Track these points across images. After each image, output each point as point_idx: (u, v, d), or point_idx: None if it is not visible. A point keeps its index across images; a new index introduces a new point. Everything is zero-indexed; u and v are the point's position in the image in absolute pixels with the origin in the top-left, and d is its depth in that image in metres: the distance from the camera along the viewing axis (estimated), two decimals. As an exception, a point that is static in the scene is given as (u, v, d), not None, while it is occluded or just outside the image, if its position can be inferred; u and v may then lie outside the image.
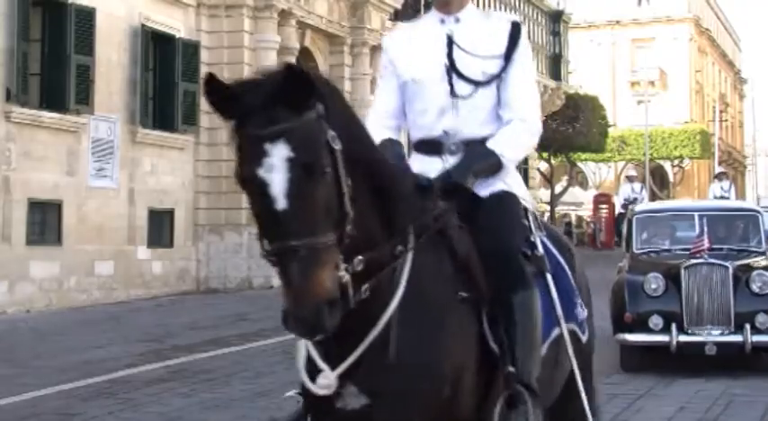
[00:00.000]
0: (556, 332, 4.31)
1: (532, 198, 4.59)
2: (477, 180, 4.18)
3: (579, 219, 52.94)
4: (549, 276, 4.36)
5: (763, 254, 12.42)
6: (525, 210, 4.45)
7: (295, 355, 3.94)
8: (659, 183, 64.10)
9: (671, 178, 67.99)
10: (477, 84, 4.29)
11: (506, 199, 4.29)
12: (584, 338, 4.62)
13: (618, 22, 70.53)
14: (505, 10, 38.08)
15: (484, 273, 3.98)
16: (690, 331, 11.06)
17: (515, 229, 4.22)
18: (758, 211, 13.27)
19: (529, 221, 4.42)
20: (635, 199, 25.44)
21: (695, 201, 18.77)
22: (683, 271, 11.18)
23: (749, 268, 11.53)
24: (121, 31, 21.08)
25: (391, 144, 4.36)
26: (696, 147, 65.20)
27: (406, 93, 4.42)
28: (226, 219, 22.75)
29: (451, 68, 4.29)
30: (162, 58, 22.37)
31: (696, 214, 12.77)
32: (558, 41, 44.09)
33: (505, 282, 3.99)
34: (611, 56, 70.79)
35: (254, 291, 21.73)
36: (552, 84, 42.84)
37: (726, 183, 26.20)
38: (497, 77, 4.33)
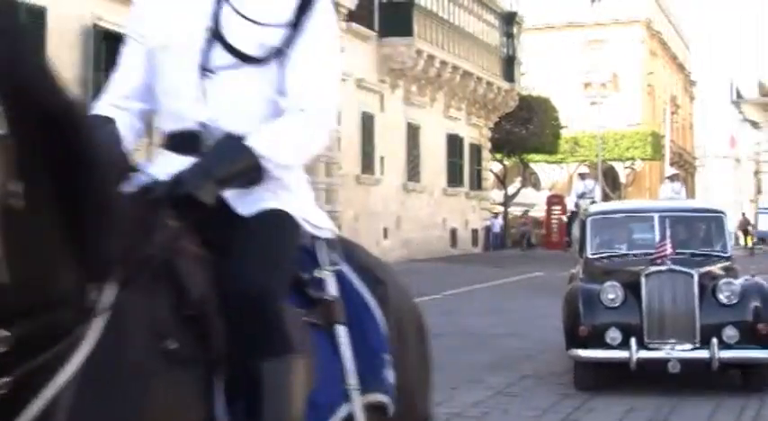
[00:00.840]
0: (343, 411, 3.17)
1: (329, 220, 3.50)
2: (224, 189, 2.99)
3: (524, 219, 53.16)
4: (341, 330, 3.21)
5: (728, 259, 11.47)
6: (314, 237, 3.30)
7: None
8: (611, 184, 64.55)
9: (622, 179, 68.52)
10: (244, 58, 3.12)
11: (273, 221, 3.11)
12: (391, 410, 3.36)
13: (570, 24, 70.97)
14: (458, 10, 38.25)
15: (226, 325, 2.81)
16: (651, 346, 9.99)
17: (277, 265, 3.01)
18: (723, 213, 12.20)
19: (315, 251, 3.28)
20: (584, 194, 24.67)
21: (654, 202, 17.21)
22: (643, 279, 10.15)
23: (715, 276, 10.55)
24: (73, 30, 20.92)
25: (108, 123, 3.14)
26: (647, 148, 65.76)
27: (153, 66, 3.27)
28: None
29: (216, 34, 3.13)
30: (114, 57, 22.17)
31: (656, 215, 11.64)
32: (511, 43, 44.32)
33: (252, 342, 2.83)
34: (564, 58, 71.20)
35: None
36: (505, 85, 43.06)
37: (677, 185, 25.50)
38: (280, 53, 3.14)
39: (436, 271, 30.23)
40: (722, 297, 10.10)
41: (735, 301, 10.05)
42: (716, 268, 10.91)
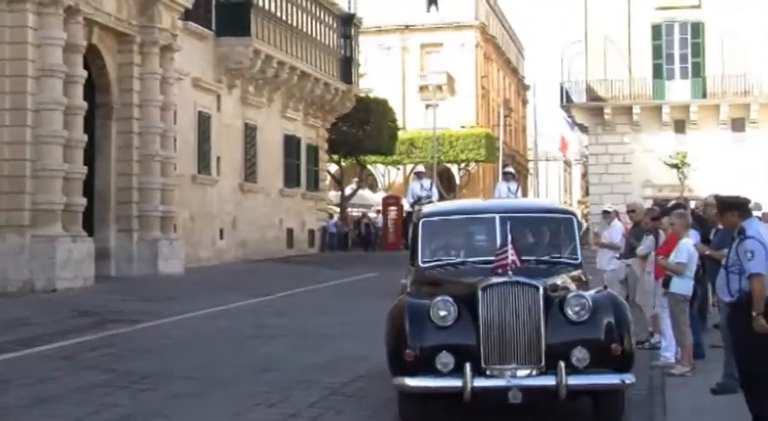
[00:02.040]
0: None
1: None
2: None
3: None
4: None
5: (578, 266, 10.26)
6: None
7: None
8: (446, 185, 65.63)
9: (458, 181, 69.74)
10: None
11: None
12: None
13: (407, 26, 71.81)
14: (296, 11, 38.27)
15: None
16: (489, 372, 8.63)
17: None
18: (573, 213, 11.10)
19: None
20: (422, 197, 22.95)
21: (496, 201, 15.48)
22: (480, 293, 8.74)
23: (564, 287, 9.36)
24: None
25: None
26: (482, 150, 67.11)
27: None
28: (7, 220, 22.03)
29: None
30: None
31: (497, 217, 10.17)
32: (349, 44, 44.58)
33: None
34: (401, 60, 72.01)
35: (35, 294, 21.14)
36: (343, 86, 43.30)
37: (513, 184, 23.86)
38: None
39: (272, 271, 30.23)
40: (571, 312, 8.83)
41: (585, 318, 8.80)
42: (565, 278, 9.71)
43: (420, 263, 10.34)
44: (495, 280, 8.84)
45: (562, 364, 8.55)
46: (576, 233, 10.54)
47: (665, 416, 9.57)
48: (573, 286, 9.51)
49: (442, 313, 8.80)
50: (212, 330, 16.30)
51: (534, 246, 10.52)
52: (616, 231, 16.62)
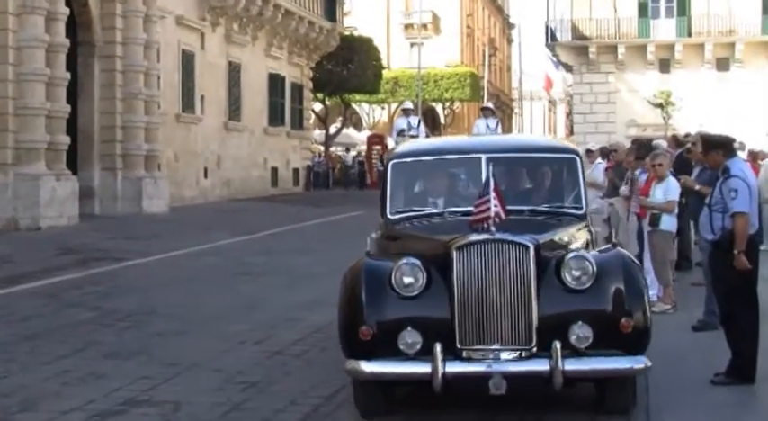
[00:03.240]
0: None
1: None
2: None
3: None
4: None
5: (583, 218, 8.46)
6: None
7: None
8: (431, 124, 65.56)
9: (442, 120, 69.67)
10: None
11: None
12: None
13: (392, -36, 71.24)
14: (280, -51, 37.88)
15: None
16: (465, 355, 6.98)
17: None
18: (575, 152, 8.97)
19: None
20: (405, 131, 21.63)
21: (483, 138, 13.10)
22: (454, 253, 7.02)
23: (562, 246, 7.61)
24: None
25: None
26: (466, 89, 67.00)
27: None
28: (-10, 158, 21.96)
29: None
30: None
31: (483, 157, 8.36)
32: (334, -18, 44.24)
33: None
34: (386, -2, 71.53)
35: (19, 232, 21.14)
36: (327, 25, 43.03)
37: (492, 121, 21.94)
38: None
39: (257, 210, 30.26)
40: (570, 278, 7.12)
41: (588, 285, 7.09)
42: (565, 234, 7.96)
43: (388, 214, 8.52)
44: (473, 237, 7.09)
45: (557, 345, 6.86)
46: (581, 177, 8.64)
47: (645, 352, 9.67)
48: (575, 244, 7.82)
49: (407, 280, 7.12)
50: (197, 269, 16.36)
51: (529, 193, 8.93)
52: (599, 171, 16.66)
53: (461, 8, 72.82)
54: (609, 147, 16.82)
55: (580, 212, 8.48)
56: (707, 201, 8.70)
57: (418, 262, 7.18)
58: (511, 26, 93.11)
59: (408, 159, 8.99)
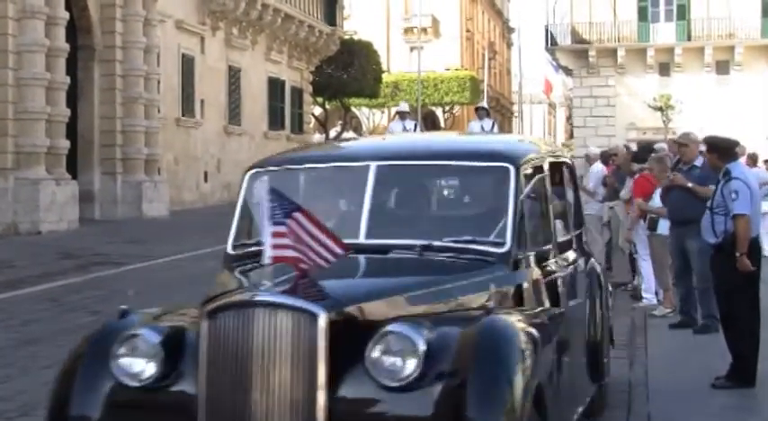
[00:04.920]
0: None
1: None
2: None
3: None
4: None
5: (502, 261, 5.68)
6: None
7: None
8: (431, 127, 65.58)
9: (442, 123, 69.68)
10: None
11: None
12: None
13: (392, -32, 71.30)
14: (280, -47, 37.90)
15: None
16: None
17: None
18: (513, 162, 6.05)
19: None
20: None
21: (380, 141, 8.69)
22: (203, 323, 4.74)
23: (372, 324, 4.75)
24: None
25: None
26: (466, 93, 66.99)
27: None
28: (-10, 162, 21.96)
29: None
30: None
31: (372, 166, 6.00)
32: (333, -14, 44.25)
33: None
34: (386, 2, 71.56)
35: (19, 236, 21.13)
36: (327, 29, 43.03)
37: (488, 122, 20.48)
38: None
39: (257, 214, 30.18)
40: (377, 368, 4.62)
41: (412, 377, 4.58)
42: (441, 292, 5.35)
43: (228, 247, 6.35)
44: (234, 298, 4.82)
45: None
46: (513, 198, 5.86)
47: (646, 358, 9.67)
48: (446, 307, 5.25)
49: (135, 366, 4.85)
50: (199, 272, 16.33)
51: (432, 219, 6.53)
52: (592, 176, 16.63)
53: (461, 12, 72.85)
54: (609, 151, 16.81)
55: (500, 250, 5.68)
56: (708, 204, 8.71)
57: (157, 334, 4.89)
58: (510, 30, 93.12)
59: (272, 169, 6.56)
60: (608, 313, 8.02)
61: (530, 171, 6.25)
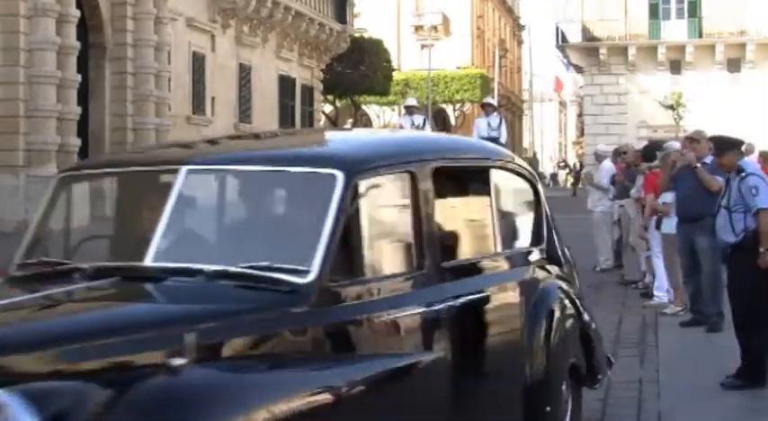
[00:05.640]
0: None
1: None
2: None
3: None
4: None
5: (300, 293, 4.62)
6: None
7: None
8: (441, 125, 65.55)
9: (453, 121, 69.65)
10: None
11: None
12: None
13: (402, -34, 71.27)
14: (291, -49, 37.91)
15: None
16: None
17: None
18: (342, 167, 4.95)
19: None
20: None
21: (194, 144, 6.68)
22: None
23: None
24: None
25: None
26: (477, 91, 66.89)
27: None
28: (1, 160, 22.01)
29: None
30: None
31: (182, 171, 5.10)
32: (344, -16, 44.26)
33: None
34: (396, 0, 71.54)
35: (32, 234, 21.15)
36: (337, 26, 43.02)
37: (495, 119, 19.78)
38: None
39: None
40: None
41: None
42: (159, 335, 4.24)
43: (10, 268, 5.39)
44: None
45: None
46: (334, 216, 4.74)
47: (657, 355, 9.66)
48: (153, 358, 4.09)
49: None
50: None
51: (237, 236, 5.35)
52: (604, 173, 16.60)
53: (472, 10, 72.77)
54: (619, 149, 16.78)
55: (301, 281, 4.58)
56: (723, 203, 8.60)
57: None
58: (521, 28, 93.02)
59: (88, 172, 6.14)
60: (581, 344, 6.65)
61: (378, 180, 5.14)
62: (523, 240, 6.67)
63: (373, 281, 5.03)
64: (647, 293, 13.27)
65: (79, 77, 23.45)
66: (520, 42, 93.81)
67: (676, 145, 12.81)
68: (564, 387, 6.32)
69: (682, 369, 8.74)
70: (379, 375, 4.76)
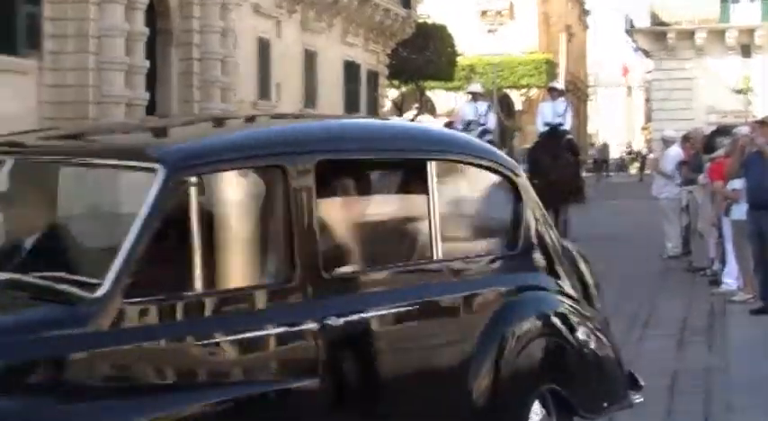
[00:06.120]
0: None
1: None
2: None
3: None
4: None
5: (91, 309, 3.90)
6: None
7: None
8: (506, 111, 65.25)
9: (518, 107, 69.29)
10: None
11: None
12: None
13: (468, -50, 70.91)
14: (356, -64, 37.92)
15: None
16: None
17: None
18: (164, 161, 4.15)
19: None
20: (471, 122, 18.90)
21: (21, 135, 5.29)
22: None
23: None
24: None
25: None
26: (542, 76, 66.45)
27: None
28: (71, 145, 22.31)
29: None
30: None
31: (9, 162, 4.67)
32: (409, -31, 44.19)
33: None
34: (461, -16, 71.25)
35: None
36: (402, 12, 42.98)
37: (561, 105, 19.18)
38: None
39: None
40: None
41: None
42: None
43: None
44: None
45: None
46: (144, 215, 4.05)
47: (725, 344, 9.55)
48: None
49: None
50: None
51: (48, 240, 4.59)
52: (669, 159, 16.41)
53: (538, -6, 72.26)
54: (687, 135, 16.59)
55: (88, 295, 3.93)
56: None
57: None
58: (587, 12, 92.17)
59: None
60: (569, 368, 5.64)
61: (223, 176, 4.46)
62: (485, 245, 5.62)
63: (205, 296, 4.18)
64: (716, 280, 13.13)
65: (147, 63, 23.68)
66: (585, 27, 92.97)
67: (745, 130, 12.63)
68: (534, 416, 5.37)
69: (751, 357, 8.62)
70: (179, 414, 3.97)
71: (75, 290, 3.91)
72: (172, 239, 4.11)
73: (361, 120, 7.50)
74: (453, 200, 5.43)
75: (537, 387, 5.41)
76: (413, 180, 5.23)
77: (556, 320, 5.56)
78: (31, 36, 21.95)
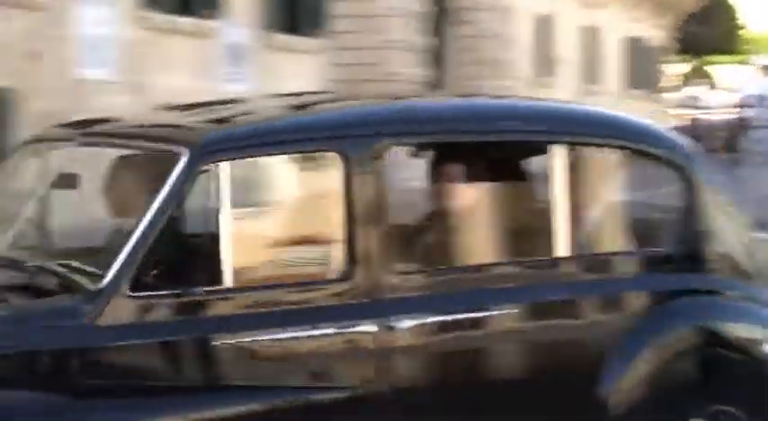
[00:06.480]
0: None
1: None
2: None
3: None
4: None
5: (90, 302, 3.73)
6: None
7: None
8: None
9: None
10: None
11: None
12: None
13: None
14: None
15: None
16: None
17: None
18: (188, 144, 3.92)
19: None
20: (755, 98, 16.90)
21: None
22: None
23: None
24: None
25: None
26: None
27: None
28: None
29: None
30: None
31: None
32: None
33: None
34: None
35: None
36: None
37: None
38: None
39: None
40: None
41: None
42: None
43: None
44: None
45: None
46: (160, 202, 3.79)
47: None
48: None
49: None
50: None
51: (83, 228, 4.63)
52: None
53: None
54: None
55: (90, 287, 3.72)
56: None
57: None
58: None
59: (54, 142, 4.82)
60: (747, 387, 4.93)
61: (261, 162, 4.18)
62: (627, 243, 4.90)
63: (238, 292, 3.81)
64: None
65: (428, 42, 23.94)
66: None
67: None
68: None
69: None
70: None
71: (83, 280, 3.73)
72: (197, 230, 3.90)
73: (463, 100, 6.24)
74: (589, 189, 4.73)
75: (694, 406, 4.71)
76: (523, 165, 4.82)
77: (727, 330, 4.89)
78: (316, 17, 22.61)
